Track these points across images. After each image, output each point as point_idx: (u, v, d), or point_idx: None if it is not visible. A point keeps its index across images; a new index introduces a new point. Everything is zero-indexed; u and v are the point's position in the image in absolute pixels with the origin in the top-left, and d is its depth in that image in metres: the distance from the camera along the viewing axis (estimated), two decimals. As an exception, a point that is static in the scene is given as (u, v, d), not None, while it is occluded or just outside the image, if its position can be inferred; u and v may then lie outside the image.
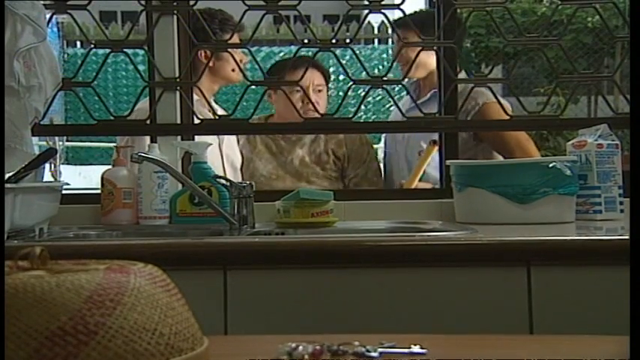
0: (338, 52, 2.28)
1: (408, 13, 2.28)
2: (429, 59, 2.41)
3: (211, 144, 2.16)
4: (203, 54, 2.39)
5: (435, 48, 2.20)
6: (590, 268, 1.46)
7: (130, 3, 2.12)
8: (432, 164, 2.40)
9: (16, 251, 0.65)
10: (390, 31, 2.62)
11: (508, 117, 2.17)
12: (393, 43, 2.69)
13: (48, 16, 2.01)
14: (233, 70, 2.43)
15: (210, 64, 2.35)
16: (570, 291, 1.45)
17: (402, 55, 2.46)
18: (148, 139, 2.18)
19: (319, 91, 2.59)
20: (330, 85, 2.77)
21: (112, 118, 2.17)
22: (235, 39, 2.39)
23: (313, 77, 2.51)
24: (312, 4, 3.13)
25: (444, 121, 2.15)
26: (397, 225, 1.94)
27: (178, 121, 2.13)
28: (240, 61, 2.37)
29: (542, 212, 1.82)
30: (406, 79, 2.48)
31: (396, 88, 2.41)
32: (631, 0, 0.83)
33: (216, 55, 2.36)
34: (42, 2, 1.93)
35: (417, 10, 2.39)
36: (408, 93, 2.58)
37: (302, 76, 2.21)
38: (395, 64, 2.52)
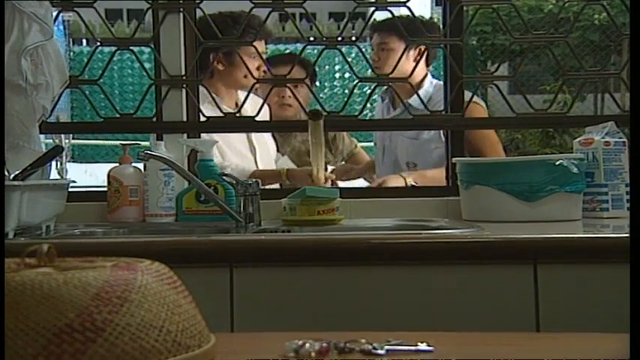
0: (344, 49, 2.27)
1: (386, 17, 2.31)
2: (406, 66, 2.39)
3: (217, 141, 2.16)
4: (216, 58, 2.38)
5: (441, 45, 2.20)
6: (597, 266, 1.46)
7: (136, 1, 2.12)
8: None
9: (23, 248, 0.66)
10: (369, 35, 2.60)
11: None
12: (370, 45, 2.66)
13: (54, 14, 2.01)
14: (245, 77, 2.36)
15: (221, 68, 2.34)
16: (577, 288, 1.45)
17: (379, 60, 2.46)
18: None
19: (295, 86, 2.56)
20: (316, 82, 2.79)
21: (118, 115, 2.17)
22: (259, 45, 2.31)
23: (295, 74, 2.49)
24: (317, 2, 3.13)
25: (451, 119, 2.15)
26: (403, 223, 1.93)
27: (184, 119, 2.14)
28: (258, 68, 2.35)
29: (549, 210, 1.81)
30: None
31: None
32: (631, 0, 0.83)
33: (229, 60, 2.35)
34: (48, 0, 1.93)
35: (397, 15, 2.37)
36: (383, 101, 2.59)
37: (289, 72, 2.22)
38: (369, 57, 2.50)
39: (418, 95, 2.26)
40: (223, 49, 2.32)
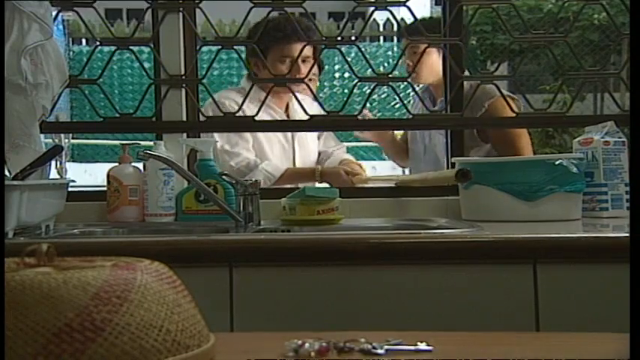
0: (343, 49, 2.27)
1: (419, 18, 2.30)
2: (439, 67, 2.38)
3: (217, 141, 2.16)
4: (257, 63, 2.37)
5: (441, 45, 2.20)
6: (597, 266, 1.46)
7: (136, 1, 2.12)
8: None
9: (22, 248, 0.66)
10: (395, 36, 2.60)
11: (514, 113, 2.17)
12: (399, 46, 2.67)
13: (54, 13, 2.01)
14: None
15: (263, 72, 2.34)
16: (577, 288, 1.45)
17: (412, 63, 2.46)
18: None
19: (310, 79, 2.59)
20: (321, 76, 2.79)
21: (117, 115, 2.17)
22: (307, 48, 2.30)
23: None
24: (317, 2, 3.13)
25: (450, 119, 2.15)
26: (403, 222, 1.93)
27: (184, 119, 2.14)
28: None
29: (549, 210, 1.81)
30: (418, 86, 2.48)
31: (402, 86, 2.40)
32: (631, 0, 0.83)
33: (273, 65, 2.33)
34: (48, 0, 1.93)
35: (427, 16, 2.37)
36: (420, 100, 2.58)
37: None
38: (400, 62, 2.51)
39: (444, 98, 2.25)
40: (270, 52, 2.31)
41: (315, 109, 2.47)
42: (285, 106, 2.49)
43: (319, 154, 2.63)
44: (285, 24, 2.27)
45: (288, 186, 2.30)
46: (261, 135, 2.43)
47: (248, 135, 2.42)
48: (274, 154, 2.46)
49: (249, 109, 2.24)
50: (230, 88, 2.60)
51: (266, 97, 2.20)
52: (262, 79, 2.31)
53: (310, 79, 2.65)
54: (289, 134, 2.50)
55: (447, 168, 2.18)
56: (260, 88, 2.33)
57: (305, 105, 2.22)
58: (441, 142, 2.63)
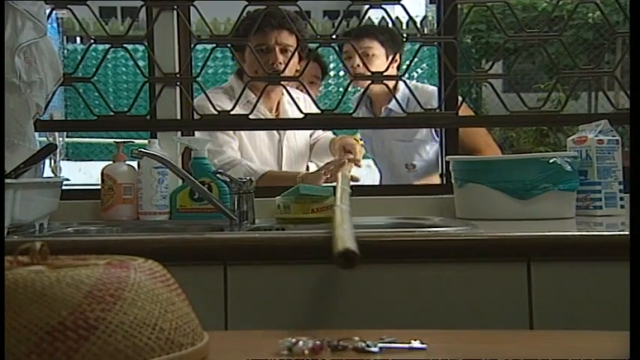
0: (338, 47, 2.27)
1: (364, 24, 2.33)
2: (389, 72, 2.39)
3: (210, 139, 2.15)
4: (241, 58, 2.37)
5: (435, 43, 2.20)
6: (590, 264, 1.46)
7: (130, -1, 2.12)
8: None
9: (16, 246, 0.66)
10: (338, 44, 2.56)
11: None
12: (345, 52, 2.63)
13: (48, 11, 2.01)
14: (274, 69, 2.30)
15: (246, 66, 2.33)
16: (570, 286, 1.45)
17: (360, 66, 2.45)
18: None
19: (311, 82, 2.61)
20: (325, 79, 2.82)
21: (112, 113, 2.16)
22: (285, 37, 2.29)
23: (311, 70, 2.51)
24: (312, 1, 3.14)
25: (445, 117, 2.15)
26: (397, 221, 1.94)
27: (178, 117, 2.13)
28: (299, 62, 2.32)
29: (543, 208, 1.82)
30: (353, 91, 2.50)
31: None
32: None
33: (250, 56, 2.29)
34: (42, -2, 1.93)
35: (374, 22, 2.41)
36: (357, 105, 2.59)
37: (303, 70, 2.21)
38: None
39: (397, 100, 2.25)
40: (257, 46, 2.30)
41: (308, 107, 2.47)
42: (276, 106, 2.47)
43: (310, 148, 2.62)
44: (262, 14, 2.23)
45: (284, 185, 2.29)
46: (246, 140, 2.42)
47: (233, 136, 2.40)
48: (259, 159, 2.44)
49: (237, 111, 2.21)
50: (214, 87, 2.55)
51: (258, 100, 2.18)
52: (257, 77, 2.30)
53: (312, 82, 2.67)
54: (276, 140, 2.48)
55: (441, 167, 2.18)
56: (247, 86, 2.29)
57: (299, 103, 2.22)
58: (396, 149, 2.68)
